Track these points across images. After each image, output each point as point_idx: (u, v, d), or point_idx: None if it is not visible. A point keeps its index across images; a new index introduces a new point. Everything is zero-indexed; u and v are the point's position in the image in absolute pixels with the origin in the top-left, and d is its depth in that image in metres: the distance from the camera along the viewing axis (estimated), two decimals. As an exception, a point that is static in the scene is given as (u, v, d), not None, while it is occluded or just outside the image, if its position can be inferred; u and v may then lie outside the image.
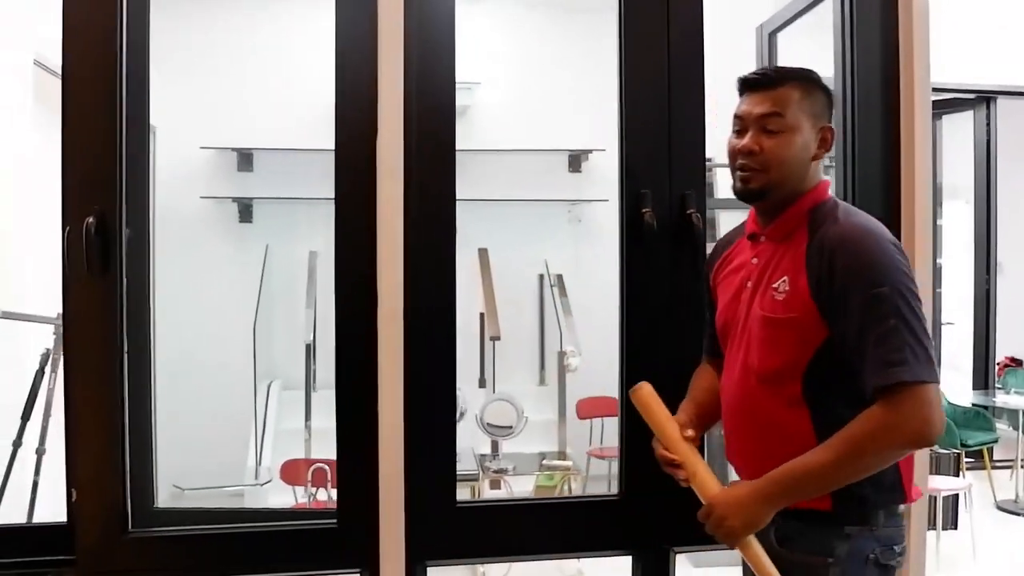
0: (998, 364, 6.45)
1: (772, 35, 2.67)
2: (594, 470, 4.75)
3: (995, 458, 5.48)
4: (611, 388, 5.28)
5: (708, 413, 1.64)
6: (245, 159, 5.03)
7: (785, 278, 1.43)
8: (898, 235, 2.01)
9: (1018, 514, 4.96)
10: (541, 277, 5.35)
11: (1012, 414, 5.38)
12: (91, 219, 1.66)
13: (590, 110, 5.19)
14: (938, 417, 1.30)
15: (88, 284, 1.67)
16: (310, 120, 5.09)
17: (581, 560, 3.66)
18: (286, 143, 4.92)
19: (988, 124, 5.85)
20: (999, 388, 5.65)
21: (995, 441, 5.21)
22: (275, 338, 4.92)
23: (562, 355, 4.83)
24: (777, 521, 1.42)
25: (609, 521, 1.93)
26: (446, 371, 1.85)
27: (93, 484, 1.71)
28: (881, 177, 2.03)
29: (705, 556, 4.02)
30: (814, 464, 1.35)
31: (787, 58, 2.71)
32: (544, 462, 3.95)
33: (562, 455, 4.66)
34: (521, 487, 3.99)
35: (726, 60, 2.18)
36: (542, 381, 5.35)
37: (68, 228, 1.69)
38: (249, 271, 4.92)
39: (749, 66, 2.90)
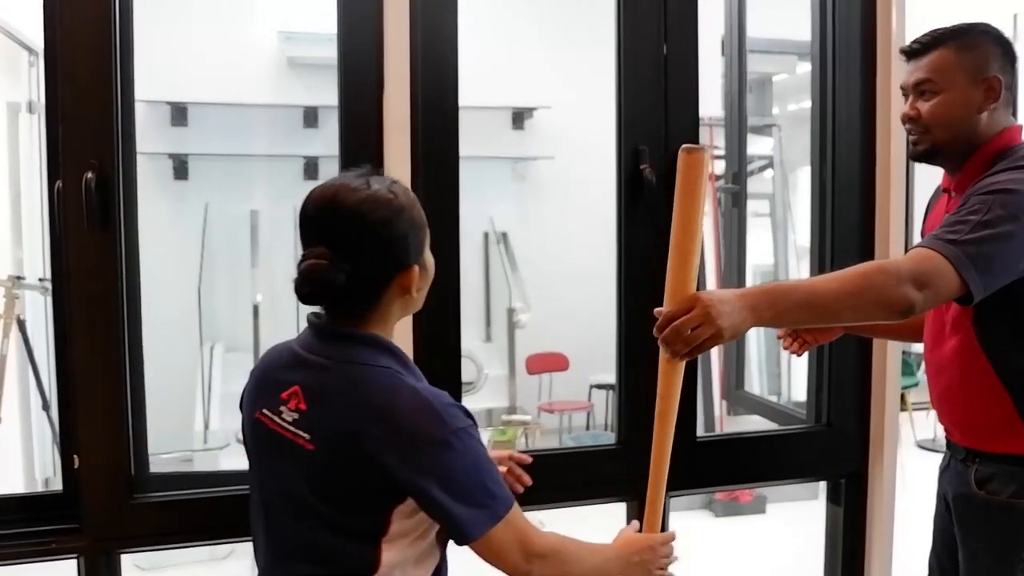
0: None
1: (742, -7, 2.71)
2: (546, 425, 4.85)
3: (912, 401, 5.84)
4: (559, 343, 5.39)
5: None
6: (179, 113, 4.84)
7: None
8: (873, 189, 2.12)
9: (936, 451, 5.31)
10: (486, 234, 5.36)
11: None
12: (90, 174, 1.59)
13: (534, 67, 5.23)
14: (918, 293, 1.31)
15: (89, 241, 1.60)
16: (249, 73, 4.94)
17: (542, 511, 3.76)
18: (223, 97, 4.76)
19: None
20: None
21: (915, 384, 5.55)
22: (216, 299, 4.80)
23: (511, 312, 4.87)
24: (976, 464, 1.52)
25: (608, 470, 1.99)
26: (452, 330, 1.86)
27: (97, 449, 1.65)
28: (860, 132, 2.11)
29: (726, 506, 4.20)
30: (814, 286, 1.33)
31: (755, 19, 2.78)
32: (504, 417, 4.00)
33: (513, 410, 4.73)
34: (478, 442, 4.04)
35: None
36: (488, 337, 5.39)
37: (60, 184, 1.62)
38: (186, 230, 4.76)
39: (717, 24, 2.97)
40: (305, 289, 1.16)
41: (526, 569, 1.19)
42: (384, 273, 1.21)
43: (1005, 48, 1.54)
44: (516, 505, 1.21)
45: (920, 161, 1.60)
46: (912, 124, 1.55)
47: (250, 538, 1.38)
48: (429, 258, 1.29)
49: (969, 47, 1.51)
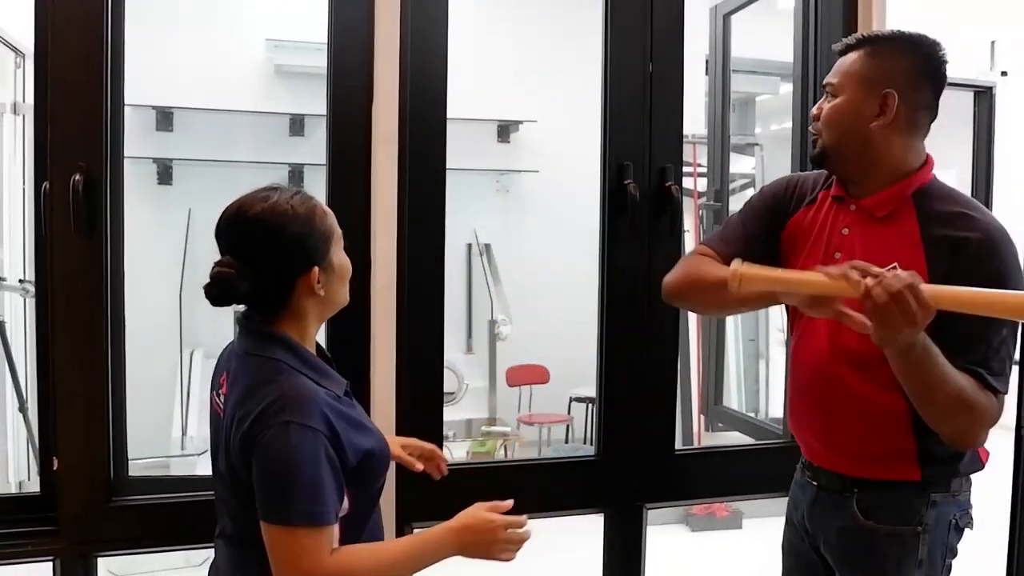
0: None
1: (727, 17, 2.76)
2: (526, 437, 4.86)
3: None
4: (539, 356, 5.41)
5: None
6: (165, 118, 4.82)
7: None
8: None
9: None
10: (469, 246, 5.38)
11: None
12: (78, 176, 1.59)
13: (520, 81, 5.26)
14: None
15: (75, 244, 1.61)
16: (236, 79, 4.95)
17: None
18: (209, 103, 4.76)
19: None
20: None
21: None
22: (197, 305, 4.77)
23: (493, 324, 4.89)
24: (855, 492, 1.47)
25: (587, 481, 2.01)
26: (435, 339, 1.87)
27: (77, 451, 1.65)
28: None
29: (702, 521, 4.21)
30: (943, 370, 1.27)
31: (739, 40, 2.82)
32: (484, 428, 4.01)
33: (492, 422, 4.74)
34: (458, 454, 4.05)
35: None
36: (469, 349, 5.39)
37: (47, 185, 1.62)
38: (169, 236, 4.74)
39: (702, 47, 3.02)
40: (213, 292, 1.29)
41: None
42: (286, 276, 1.32)
43: (922, 67, 1.41)
44: (326, 530, 1.22)
45: (815, 165, 1.51)
46: (813, 125, 1.49)
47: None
48: (339, 259, 1.38)
49: (877, 55, 1.42)
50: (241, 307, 1.36)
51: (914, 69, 1.41)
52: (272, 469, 1.20)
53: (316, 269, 1.32)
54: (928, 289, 1.19)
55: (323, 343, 1.84)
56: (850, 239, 1.46)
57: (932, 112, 1.46)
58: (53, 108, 1.60)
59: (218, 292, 1.28)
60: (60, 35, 1.60)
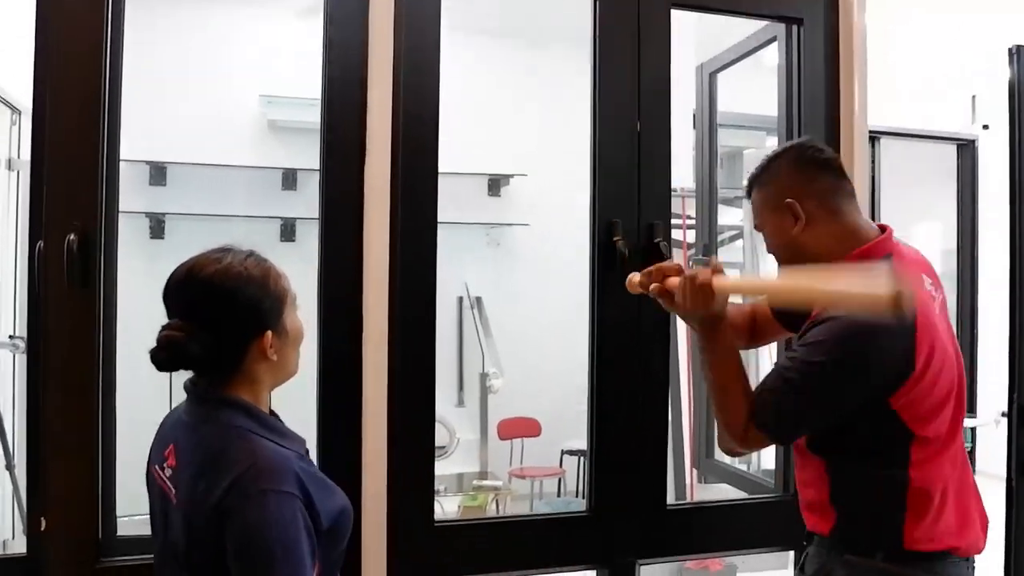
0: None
1: (712, 75, 2.82)
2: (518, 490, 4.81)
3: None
4: (530, 409, 5.37)
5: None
6: (158, 172, 4.85)
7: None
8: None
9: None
10: (460, 299, 5.39)
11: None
12: (72, 236, 1.61)
13: (511, 135, 5.34)
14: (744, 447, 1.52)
15: (69, 300, 1.62)
16: (229, 134, 5.00)
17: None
18: (203, 158, 4.80)
19: (873, 162, 6.30)
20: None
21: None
22: (187, 359, 4.75)
23: (484, 377, 4.88)
24: (805, 548, 1.57)
25: (579, 537, 1.99)
26: (426, 394, 1.87)
27: (66, 511, 1.64)
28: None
29: (696, 575, 4.14)
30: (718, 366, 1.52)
31: (726, 96, 2.88)
32: (475, 482, 3.98)
33: (484, 475, 4.70)
34: (449, 508, 4.00)
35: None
36: (460, 402, 5.37)
37: (42, 244, 1.63)
38: (161, 289, 4.74)
39: (690, 101, 3.08)
40: (160, 356, 1.23)
41: None
42: (238, 339, 1.28)
43: (798, 164, 1.55)
44: None
45: None
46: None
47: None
48: (292, 323, 1.35)
49: (765, 183, 1.58)
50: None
51: (793, 171, 1.55)
52: (252, 541, 1.15)
53: (270, 333, 1.29)
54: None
55: (314, 397, 1.85)
56: None
57: (842, 191, 1.56)
58: (49, 167, 1.63)
59: (166, 356, 1.23)
60: (58, 95, 1.63)
